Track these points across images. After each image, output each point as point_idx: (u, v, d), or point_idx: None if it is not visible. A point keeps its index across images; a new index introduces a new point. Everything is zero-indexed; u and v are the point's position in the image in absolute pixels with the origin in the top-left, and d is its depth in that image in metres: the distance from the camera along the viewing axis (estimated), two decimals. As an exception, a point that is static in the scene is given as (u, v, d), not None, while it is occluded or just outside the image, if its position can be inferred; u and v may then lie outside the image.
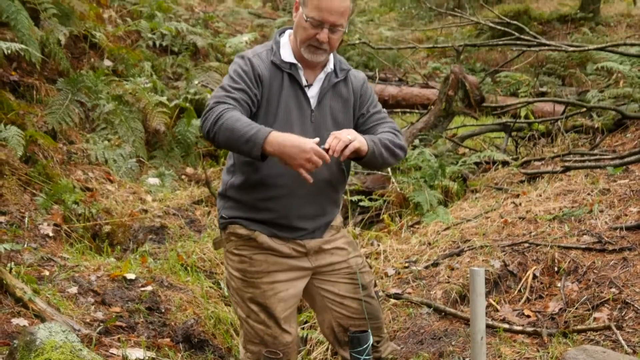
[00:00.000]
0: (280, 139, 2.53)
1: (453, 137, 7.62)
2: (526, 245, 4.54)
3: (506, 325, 3.87)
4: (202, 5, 13.60)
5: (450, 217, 5.47)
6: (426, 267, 4.67)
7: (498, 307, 4.15)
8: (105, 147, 6.53)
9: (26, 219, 4.96)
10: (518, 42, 7.97)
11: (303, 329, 4.33)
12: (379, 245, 5.21)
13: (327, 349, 4.09)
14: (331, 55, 2.85)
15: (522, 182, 6.10)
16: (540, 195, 5.44)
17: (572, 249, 4.38)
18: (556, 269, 4.30)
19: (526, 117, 7.97)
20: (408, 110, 9.33)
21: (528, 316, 4.01)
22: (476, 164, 6.83)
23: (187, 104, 7.76)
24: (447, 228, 5.24)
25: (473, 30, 14.51)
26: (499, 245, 4.61)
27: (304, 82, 2.80)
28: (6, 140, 5.35)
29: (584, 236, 4.54)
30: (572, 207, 5.02)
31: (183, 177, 7.12)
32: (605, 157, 6.08)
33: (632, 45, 7.95)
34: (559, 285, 4.16)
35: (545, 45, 7.64)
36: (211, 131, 2.61)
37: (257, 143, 2.52)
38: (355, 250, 3.04)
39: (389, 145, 2.78)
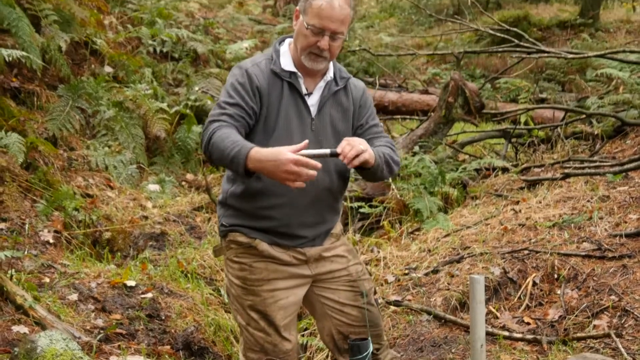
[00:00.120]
0: (258, 155, 2.53)
1: (453, 144, 7.64)
2: (526, 252, 4.54)
3: (506, 333, 3.88)
4: (202, 11, 13.63)
5: (450, 223, 5.48)
6: (426, 274, 4.67)
7: (498, 315, 4.15)
8: (105, 154, 6.54)
9: (27, 225, 4.96)
10: (518, 48, 7.99)
11: (303, 336, 4.34)
12: (378, 251, 5.21)
13: (327, 356, 4.09)
14: (331, 64, 2.86)
15: (522, 188, 6.11)
16: (540, 202, 5.45)
17: (572, 256, 4.39)
18: (556, 276, 4.30)
19: (526, 123, 7.98)
20: (408, 116, 9.34)
21: (528, 323, 4.01)
22: (476, 170, 6.84)
23: (188, 111, 7.77)
24: (447, 235, 5.25)
25: (473, 36, 14.55)
26: (498, 252, 4.61)
27: (304, 91, 2.81)
28: (7, 147, 5.36)
29: (584, 243, 4.55)
30: (572, 214, 5.03)
31: (183, 183, 7.13)
32: (605, 163, 6.09)
33: (631, 52, 7.96)
34: (558, 292, 4.16)
35: (544, 52, 7.66)
36: (206, 150, 2.67)
37: (240, 162, 2.54)
38: (355, 257, 3.04)
39: (389, 162, 2.81)
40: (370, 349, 2.79)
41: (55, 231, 5.09)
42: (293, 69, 2.80)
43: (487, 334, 3.65)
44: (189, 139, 7.55)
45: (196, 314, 4.37)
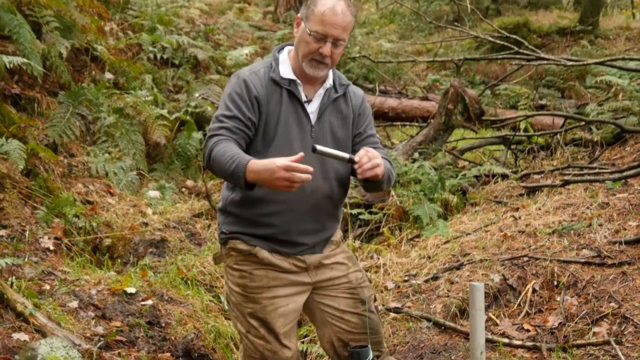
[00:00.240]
0: (254, 167, 2.55)
1: (453, 150, 7.65)
2: (526, 259, 4.55)
3: (506, 340, 3.88)
4: (203, 17, 13.66)
5: (449, 230, 5.48)
6: (426, 281, 4.68)
7: (498, 322, 4.16)
8: (106, 160, 6.55)
9: (27, 232, 4.97)
10: (517, 56, 8.01)
11: (303, 342, 4.34)
12: (378, 258, 5.22)
13: (327, 364, 4.10)
14: (330, 71, 2.87)
15: (521, 195, 6.12)
16: (540, 209, 5.46)
17: (572, 263, 4.39)
18: (555, 283, 4.31)
19: (525, 130, 8.00)
20: (408, 123, 9.35)
21: (528, 330, 4.01)
22: (476, 177, 6.85)
23: (188, 117, 7.78)
24: (447, 241, 5.25)
25: (473, 42, 14.57)
26: (498, 259, 4.62)
27: (304, 98, 2.82)
28: (7, 154, 5.37)
29: (583, 250, 4.55)
30: (572, 220, 5.03)
31: (183, 189, 7.14)
32: (604, 170, 6.10)
33: (630, 59, 7.98)
34: (558, 299, 4.17)
35: (544, 59, 7.68)
36: (208, 165, 2.71)
37: (240, 175, 2.57)
38: (355, 265, 3.05)
39: (390, 177, 2.84)
40: (370, 356, 2.80)
41: (56, 238, 5.10)
42: (292, 77, 2.81)
43: (487, 341, 3.65)
44: (189, 146, 7.56)
45: (196, 321, 4.38)
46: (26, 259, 4.62)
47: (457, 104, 7.04)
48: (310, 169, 2.52)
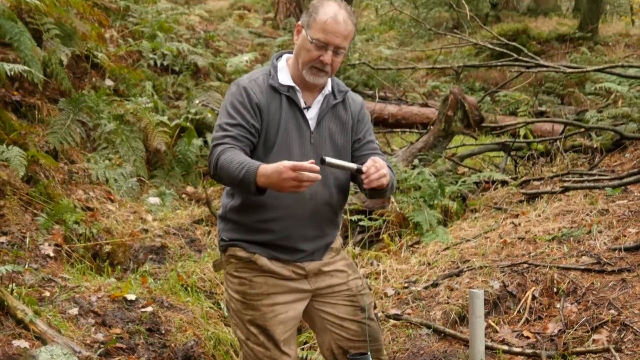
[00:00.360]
0: (264, 171, 2.57)
1: (452, 157, 7.66)
2: (525, 265, 4.55)
3: (505, 347, 3.88)
4: (203, 24, 13.70)
5: (449, 237, 5.49)
6: (425, 288, 4.68)
7: (497, 328, 4.16)
8: (106, 167, 6.56)
9: (27, 239, 4.97)
10: (517, 63, 8.03)
11: (303, 349, 4.34)
12: (378, 265, 5.22)
13: (326, 370, 4.09)
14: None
15: (521, 201, 6.12)
16: (540, 216, 5.46)
17: (571, 270, 4.40)
18: (555, 289, 4.31)
19: (525, 136, 8.01)
20: (408, 129, 9.37)
21: (527, 337, 4.01)
22: (476, 183, 6.86)
23: (188, 124, 7.80)
24: (447, 248, 5.26)
25: (472, 49, 14.59)
26: (498, 266, 4.62)
27: (303, 104, 2.84)
28: (8, 161, 5.38)
29: (583, 257, 4.56)
30: (571, 227, 5.04)
31: (183, 196, 7.15)
32: (604, 177, 6.11)
33: (629, 66, 8.00)
34: (558, 306, 4.17)
35: (543, 66, 7.70)
36: (215, 175, 2.71)
37: (250, 182, 2.58)
38: (354, 272, 3.05)
39: (393, 186, 2.86)
40: (370, 363, 2.80)
41: (56, 244, 5.10)
42: (291, 84, 2.83)
43: (487, 348, 3.65)
44: (189, 152, 7.57)
45: (196, 328, 4.38)
46: (26, 266, 4.62)
47: (456, 111, 7.05)
48: (317, 167, 2.54)
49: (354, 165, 2.65)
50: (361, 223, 6.02)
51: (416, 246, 5.58)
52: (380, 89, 11.83)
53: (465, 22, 12.56)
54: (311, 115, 2.85)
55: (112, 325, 4.14)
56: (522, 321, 4.18)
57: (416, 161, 6.89)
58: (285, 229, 2.82)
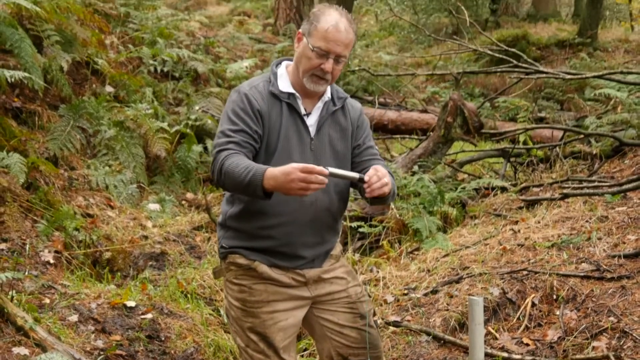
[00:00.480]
0: (271, 174, 2.56)
1: (452, 163, 7.67)
2: (525, 272, 4.55)
3: (505, 354, 3.88)
4: (203, 30, 13.72)
5: (449, 243, 5.49)
6: (425, 294, 4.68)
7: (497, 335, 4.16)
8: (106, 173, 6.57)
9: (27, 246, 4.97)
10: (516, 69, 8.04)
11: (302, 356, 4.34)
12: (378, 271, 5.22)
13: (326, 377, 4.08)
14: (328, 84, 2.90)
15: (520, 208, 6.13)
16: (539, 222, 5.47)
17: (571, 277, 4.40)
18: (555, 296, 4.31)
19: (525, 142, 8.02)
20: (407, 135, 9.38)
21: (527, 344, 4.01)
22: (475, 189, 6.86)
23: (188, 130, 7.81)
24: (446, 255, 5.26)
25: (472, 55, 14.62)
26: (497, 273, 4.62)
27: (303, 111, 2.85)
28: (8, 167, 5.38)
29: (583, 264, 4.56)
30: (571, 234, 5.04)
31: (183, 202, 7.15)
32: (603, 184, 6.11)
33: (629, 73, 8.01)
34: (557, 313, 4.17)
35: (543, 72, 7.71)
36: (219, 181, 2.70)
37: (257, 185, 2.57)
38: (354, 279, 3.06)
39: (394, 193, 2.86)
40: (370, 371, 2.81)
41: (56, 251, 5.11)
42: (291, 90, 2.84)
43: (486, 355, 3.66)
44: (189, 158, 7.58)
45: (196, 335, 4.38)
46: (26, 273, 4.62)
47: (456, 117, 7.07)
48: (326, 171, 2.54)
49: (356, 175, 2.65)
50: (361, 229, 6.03)
51: (416, 253, 5.58)
52: (380, 95, 11.85)
53: (465, 28, 12.58)
54: (311, 121, 2.87)
55: (112, 332, 4.14)
56: (521, 328, 4.18)
57: (416, 167, 6.91)
58: (286, 235, 2.83)
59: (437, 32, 17.83)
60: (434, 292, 4.67)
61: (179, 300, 4.80)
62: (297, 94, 2.84)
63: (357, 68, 10.49)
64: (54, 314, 4.15)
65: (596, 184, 6.16)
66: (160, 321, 4.37)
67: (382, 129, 9.88)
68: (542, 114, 10.86)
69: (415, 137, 9.12)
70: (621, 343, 3.72)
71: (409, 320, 4.41)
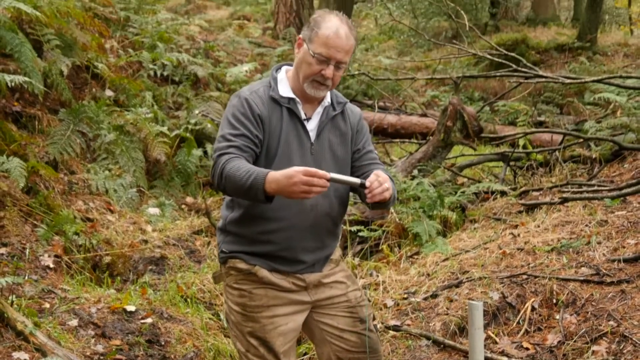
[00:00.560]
0: (273, 177, 2.56)
1: (452, 167, 7.67)
2: (525, 276, 4.56)
3: (505, 358, 3.88)
4: (203, 34, 13.74)
5: (449, 247, 5.49)
6: (425, 299, 4.68)
7: (497, 340, 4.16)
8: (106, 177, 6.57)
9: (27, 250, 4.97)
10: (515, 73, 8.06)
11: (302, 361, 4.34)
12: (377, 275, 5.23)
13: (326, 382, 4.08)
14: (327, 89, 2.91)
15: (520, 212, 6.13)
16: (539, 226, 5.47)
17: (571, 281, 4.40)
18: (554, 301, 4.31)
19: (524, 146, 8.02)
20: (407, 140, 9.39)
21: (527, 349, 4.01)
22: (475, 193, 6.86)
23: (188, 134, 7.82)
24: (446, 259, 5.26)
25: (471, 58, 14.65)
26: (497, 277, 4.63)
27: (303, 116, 2.86)
28: (8, 172, 5.39)
29: (582, 268, 4.56)
30: (570, 238, 5.04)
31: (183, 206, 7.15)
32: (603, 188, 6.11)
33: (627, 77, 8.02)
34: (557, 317, 4.17)
35: (542, 77, 7.72)
36: (220, 185, 2.69)
37: (258, 189, 2.57)
38: (354, 283, 3.07)
39: (394, 197, 2.87)
40: (369, 375, 2.81)
41: (56, 256, 5.11)
42: (291, 95, 2.85)
43: (486, 359, 3.66)
44: (189, 163, 7.58)
45: (196, 339, 4.38)
46: (26, 277, 4.62)
47: (455, 122, 7.07)
48: (328, 176, 2.55)
49: (357, 181, 2.65)
50: (360, 234, 6.03)
51: (415, 257, 5.58)
52: (380, 99, 11.86)
53: (464, 32, 12.57)
54: (311, 126, 2.88)
55: (112, 337, 4.14)
56: (521, 332, 4.18)
57: (415, 171, 6.91)
58: (287, 240, 2.83)
59: (437, 36, 17.86)
60: (434, 296, 4.67)
61: (178, 304, 4.80)
62: (297, 99, 2.85)
63: (356, 72, 10.50)
64: (54, 319, 4.15)
65: (596, 188, 6.17)
66: (160, 325, 4.37)
67: (381, 133, 9.89)
68: (542, 118, 10.87)
69: (415, 141, 9.13)
70: (621, 347, 3.72)
71: (408, 325, 4.41)
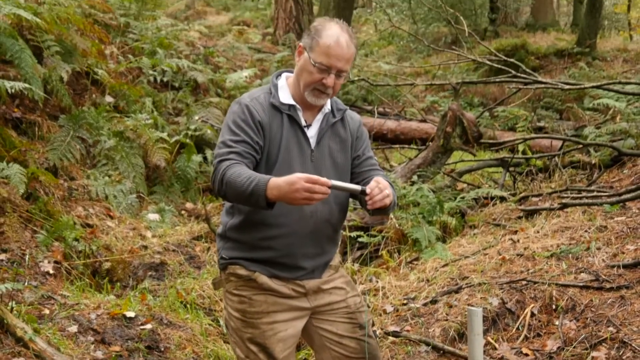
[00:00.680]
0: (275, 183, 2.56)
1: (451, 173, 7.68)
2: (524, 282, 4.56)
3: (504, 364, 3.88)
4: (202, 40, 13.77)
5: (448, 253, 5.50)
6: (424, 305, 4.68)
7: (496, 345, 4.16)
8: (105, 183, 6.57)
9: (27, 256, 4.98)
10: (515, 79, 8.07)
11: (302, 367, 4.34)
12: (377, 281, 5.23)
13: (326, 388, 4.08)
14: (326, 96, 2.92)
15: (520, 218, 6.14)
16: (538, 232, 5.47)
17: (570, 287, 4.40)
18: (554, 306, 4.31)
19: (524, 152, 8.03)
20: (407, 145, 9.40)
21: (526, 355, 4.01)
22: (474, 199, 6.87)
23: (188, 140, 7.83)
24: (446, 264, 5.26)
25: (471, 64, 14.67)
26: (497, 283, 4.63)
27: (304, 123, 2.87)
28: (8, 178, 5.39)
29: (582, 274, 4.56)
30: (570, 244, 5.05)
31: (183, 212, 7.16)
32: (602, 193, 6.12)
33: (627, 83, 8.03)
34: (557, 323, 4.17)
35: (541, 82, 7.73)
36: (220, 190, 2.69)
37: (260, 195, 2.57)
38: (353, 289, 3.07)
39: (395, 203, 2.87)
40: (369, 382, 2.81)
41: (56, 262, 5.11)
42: (292, 102, 2.86)
43: (486, 365, 3.66)
44: (188, 168, 7.59)
45: (195, 345, 4.37)
46: (26, 284, 4.62)
47: (455, 127, 7.09)
48: (330, 183, 2.55)
49: (358, 187, 2.66)
50: (360, 239, 6.03)
51: (415, 262, 5.59)
52: (379, 105, 11.88)
53: (464, 38, 12.62)
54: (311, 133, 2.88)
55: (112, 343, 4.14)
56: (521, 338, 4.18)
57: (415, 177, 6.92)
58: (287, 246, 2.84)
59: (436, 42, 17.89)
60: (433, 302, 4.67)
61: (178, 310, 4.80)
62: (298, 106, 2.85)
63: (356, 78, 10.51)
64: (54, 325, 4.15)
65: (595, 193, 6.18)
66: (159, 331, 4.37)
67: (381, 139, 9.90)
68: (541, 124, 10.89)
69: (415, 146, 9.14)
70: (620, 353, 3.72)
71: (408, 330, 4.41)
